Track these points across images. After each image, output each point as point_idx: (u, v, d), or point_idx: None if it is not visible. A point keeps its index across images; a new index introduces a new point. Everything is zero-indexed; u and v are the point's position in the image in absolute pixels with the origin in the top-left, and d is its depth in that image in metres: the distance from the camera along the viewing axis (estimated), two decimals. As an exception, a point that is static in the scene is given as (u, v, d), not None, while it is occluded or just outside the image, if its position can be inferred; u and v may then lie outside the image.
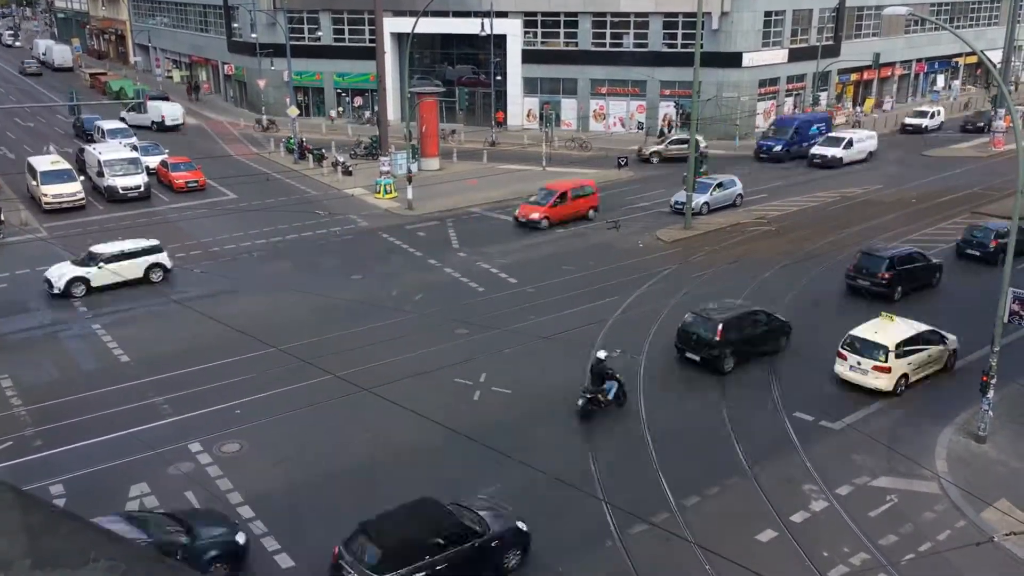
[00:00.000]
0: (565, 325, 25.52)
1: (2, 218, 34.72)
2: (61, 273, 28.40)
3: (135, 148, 45.24)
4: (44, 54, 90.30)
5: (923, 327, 22.22)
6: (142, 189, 40.14)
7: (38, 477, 17.61)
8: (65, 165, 39.55)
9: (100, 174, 40.35)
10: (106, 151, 41.61)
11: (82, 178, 39.81)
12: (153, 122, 57.02)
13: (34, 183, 38.84)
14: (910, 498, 17.18)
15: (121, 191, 39.75)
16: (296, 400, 21.14)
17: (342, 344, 24.27)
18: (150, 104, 57.76)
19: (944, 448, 18.95)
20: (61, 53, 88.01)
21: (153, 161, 44.42)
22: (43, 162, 39.47)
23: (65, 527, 1.80)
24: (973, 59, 74.10)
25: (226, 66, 67.64)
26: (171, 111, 58.02)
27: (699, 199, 37.16)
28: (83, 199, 38.60)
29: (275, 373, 22.36)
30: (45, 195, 37.81)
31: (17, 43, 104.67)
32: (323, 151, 48.04)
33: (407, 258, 32.62)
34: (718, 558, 14.50)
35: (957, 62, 74.63)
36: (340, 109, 61.41)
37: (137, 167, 40.82)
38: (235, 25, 64.76)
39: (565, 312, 26.67)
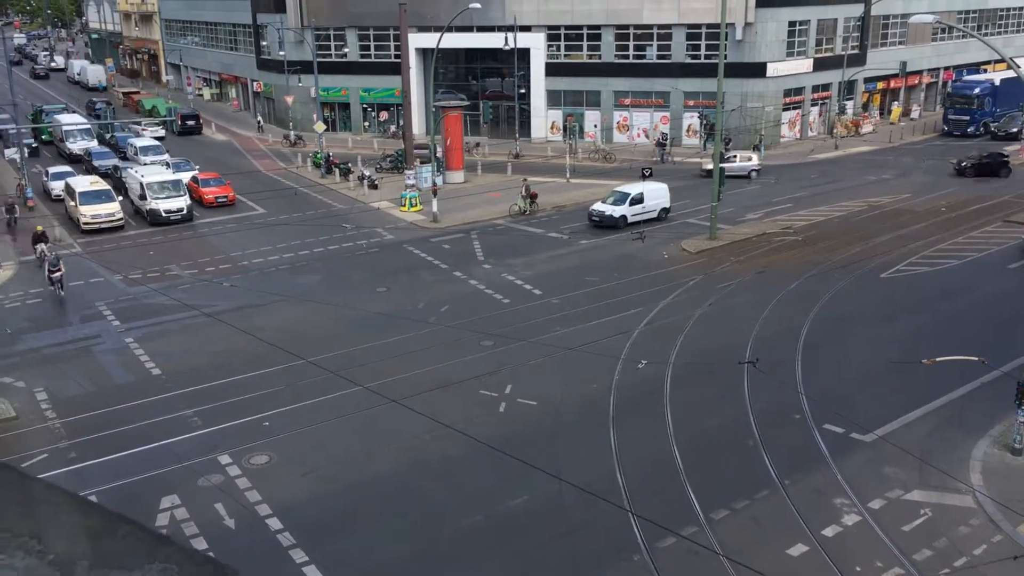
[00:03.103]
0: (590, 336, 25.49)
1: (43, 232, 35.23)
2: None
3: (168, 165, 45.75)
4: (79, 74, 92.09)
5: None
6: (184, 212, 39.72)
7: (72, 489, 17.79)
8: (104, 186, 39.75)
9: (142, 197, 39.91)
10: (148, 174, 41.11)
11: (120, 198, 40.09)
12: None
13: (72, 203, 39.21)
14: (944, 512, 16.92)
15: (164, 214, 39.31)
16: (324, 412, 21.30)
17: (369, 356, 24.43)
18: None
19: (979, 461, 18.66)
20: (95, 73, 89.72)
21: (184, 177, 44.94)
22: (82, 183, 39.89)
23: (122, 530, 1.87)
24: (1003, 66, 73.16)
25: (255, 83, 68.60)
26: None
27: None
28: (122, 219, 38.68)
29: (304, 385, 22.55)
30: (83, 215, 38.09)
31: (53, 63, 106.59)
32: (349, 165, 48.48)
33: (433, 270, 32.79)
34: (748, 572, 14.36)
35: (986, 69, 73.72)
36: (366, 124, 61.99)
37: (179, 189, 40.35)
38: (263, 43, 65.68)
39: (590, 323, 26.65)
